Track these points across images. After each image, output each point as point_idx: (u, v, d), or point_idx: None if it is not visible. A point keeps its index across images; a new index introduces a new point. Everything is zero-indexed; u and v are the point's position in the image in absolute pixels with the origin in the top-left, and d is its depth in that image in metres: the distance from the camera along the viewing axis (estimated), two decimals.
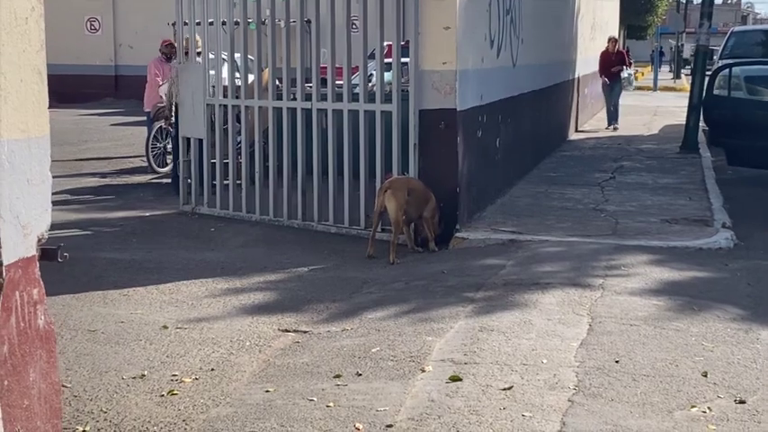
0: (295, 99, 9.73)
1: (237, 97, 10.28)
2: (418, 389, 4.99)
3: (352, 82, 9.48)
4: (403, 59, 9.22)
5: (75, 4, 29.35)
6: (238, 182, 10.28)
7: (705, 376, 5.21)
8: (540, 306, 6.50)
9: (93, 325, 6.29)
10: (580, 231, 9.10)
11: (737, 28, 27.47)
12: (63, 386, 5.12)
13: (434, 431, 4.45)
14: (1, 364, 3.00)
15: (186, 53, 10.69)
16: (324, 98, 9.49)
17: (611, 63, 19.79)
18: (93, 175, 13.77)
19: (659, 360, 5.46)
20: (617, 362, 5.40)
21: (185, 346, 5.90)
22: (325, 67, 9.48)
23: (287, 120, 9.73)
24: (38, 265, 3.31)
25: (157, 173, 13.54)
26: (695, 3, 54.08)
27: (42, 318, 3.25)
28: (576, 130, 19.09)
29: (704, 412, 4.72)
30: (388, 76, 9.71)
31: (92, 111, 26.06)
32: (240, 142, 10.40)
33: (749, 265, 7.91)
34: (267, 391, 5.05)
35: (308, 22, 9.79)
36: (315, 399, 4.89)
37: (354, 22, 10.19)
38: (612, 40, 20.15)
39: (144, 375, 5.34)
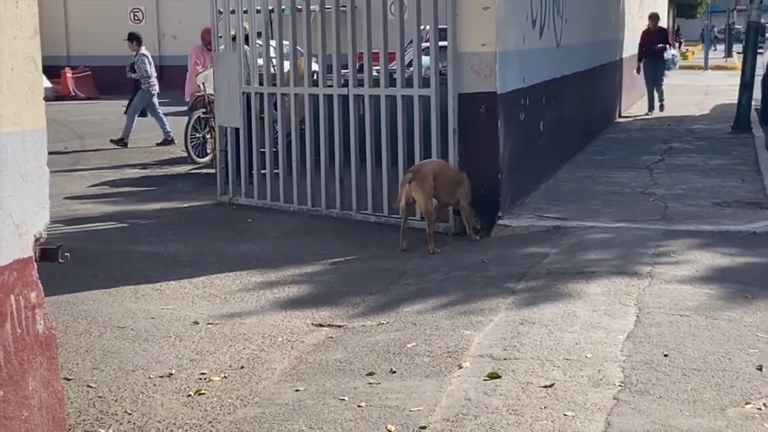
0: (331, 86, 9.51)
1: (274, 85, 10.09)
2: (454, 387, 4.75)
3: (391, 67, 9.23)
4: (441, 43, 8.95)
5: None
6: (276, 171, 10.09)
7: (760, 370, 4.90)
8: (584, 296, 6.22)
9: (123, 321, 6.14)
10: (627, 216, 8.78)
11: None
12: (88, 386, 4.97)
13: None
14: None
15: (220, 38, 10.51)
16: (360, 84, 9.27)
17: (653, 42, 18.50)
18: (134, 166, 13.70)
19: (711, 353, 5.16)
20: (666, 355, 5.11)
21: (216, 342, 5.72)
22: (362, 53, 9.25)
23: (323, 107, 9.51)
24: (35, 266, 3.11)
25: (197, 163, 13.43)
26: None
27: (42, 323, 3.05)
28: (622, 113, 18.63)
29: (759, 409, 4.43)
30: (426, 60, 9.45)
31: None
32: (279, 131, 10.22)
33: None
34: (297, 390, 4.85)
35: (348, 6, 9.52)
36: (346, 398, 4.67)
37: (390, 6, 9.94)
38: (654, 18, 18.71)
39: (171, 374, 5.16)
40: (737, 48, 44.08)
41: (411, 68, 9.47)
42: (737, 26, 52.29)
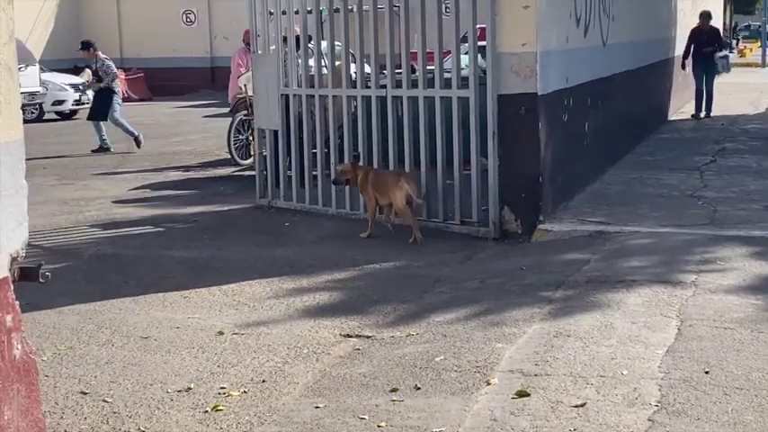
0: (369, 87, 9.33)
1: (312, 87, 9.92)
2: (480, 406, 4.53)
3: (431, 68, 9.01)
4: (481, 43, 8.71)
5: None
6: (315, 174, 9.93)
7: None
8: (623, 307, 5.95)
9: (148, 331, 6.01)
10: (674, 221, 8.48)
11: None
12: (104, 401, 4.84)
13: None
14: None
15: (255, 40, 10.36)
16: (399, 85, 9.07)
17: (702, 43, 17.22)
18: (178, 168, 13.65)
19: (755, 370, 4.88)
20: (707, 372, 4.84)
21: (239, 354, 5.56)
22: (400, 54, 9.05)
23: (362, 109, 9.33)
24: (11, 287, 2.94)
25: (240, 165, 13.33)
26: None
27: (19, 347, 2.89)
28: (675, 112, 18.15)
29: None
30: (466, 60, 9.22)
31: (188, 103, 26.22)
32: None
33: None
34: (317, 407, 4.66)
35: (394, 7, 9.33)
36: (366, 417, 4.48)
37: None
38: (705, 16, 17.64)
39: (190, 388, 5.00)
40: None
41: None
42: None
